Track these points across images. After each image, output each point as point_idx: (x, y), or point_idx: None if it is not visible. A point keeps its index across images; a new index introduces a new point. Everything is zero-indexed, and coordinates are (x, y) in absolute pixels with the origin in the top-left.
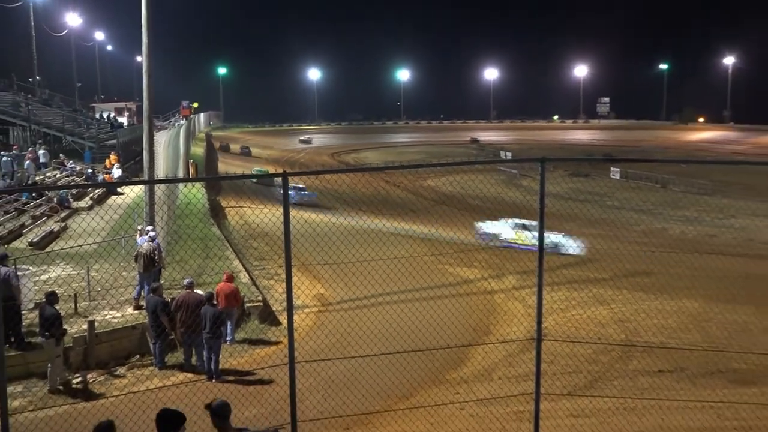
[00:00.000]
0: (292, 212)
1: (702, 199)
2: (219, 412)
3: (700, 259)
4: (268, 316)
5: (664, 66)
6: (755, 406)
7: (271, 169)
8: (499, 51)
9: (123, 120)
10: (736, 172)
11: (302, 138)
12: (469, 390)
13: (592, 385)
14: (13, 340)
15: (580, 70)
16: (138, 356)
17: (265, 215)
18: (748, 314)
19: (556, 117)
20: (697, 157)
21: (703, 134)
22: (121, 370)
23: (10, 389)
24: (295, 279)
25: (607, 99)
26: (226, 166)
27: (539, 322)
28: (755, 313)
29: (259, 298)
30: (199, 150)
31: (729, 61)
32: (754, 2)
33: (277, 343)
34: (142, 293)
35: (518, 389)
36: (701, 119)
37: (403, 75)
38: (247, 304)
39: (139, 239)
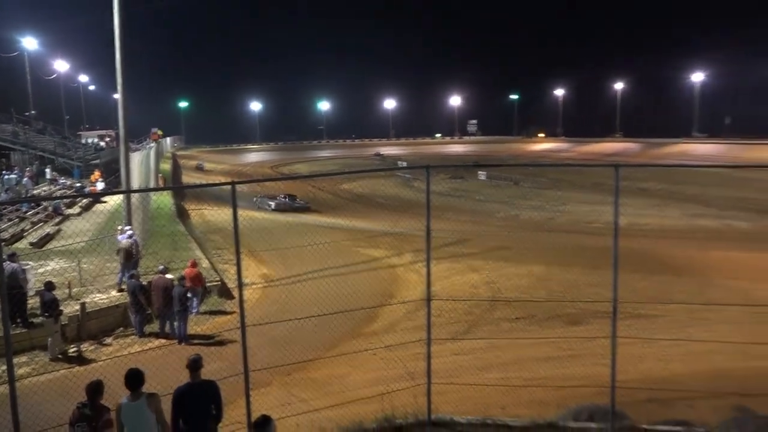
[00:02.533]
0: (241, 212)
1: (543, 192)
2: (195, 366)
3: (543, 236)
4: (224, 292)
5: (515, 96)
6: (582, 339)
7: (223, 179)
8: (397, 85)
9: (104, 144)
10: (565, 172)
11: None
12: (379, 340)
13: (469, 331)
14: (18, 320)
15: (455, 99)
16: (122, 328)
17: (219, 215)
18: (577, 274)
19: (438, 135)
20: (539, 162)
21: (543, 145)
22: (108, 340)
23: (16, 360)
24: (244, 263)
25: (475, 121)
26: (189, 178)
27: (429, 287)
28: (582, 273)
29: (218, 278)
30: (166, 166)
31: (560, 92)
32: (579, 49)
33: (232, 312)
34: (124, 279)
35: (415, 337)
36: (541, 134)
37: (324, 105)
38: (208, 284)
39: (119, 237)
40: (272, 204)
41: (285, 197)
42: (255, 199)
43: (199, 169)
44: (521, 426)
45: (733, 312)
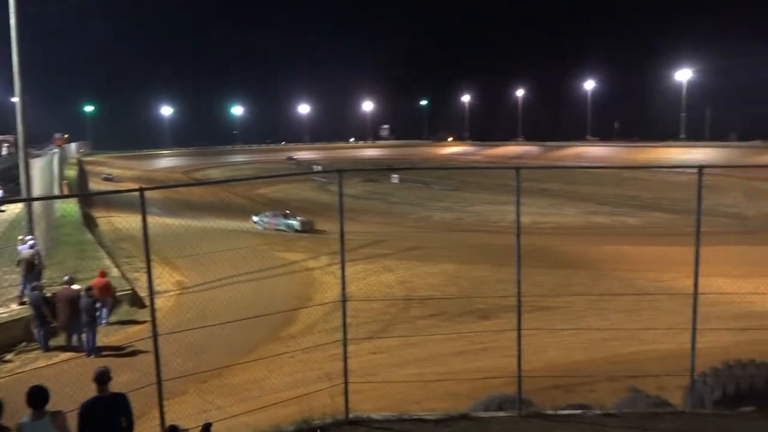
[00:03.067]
0: (153, 219)
1: (452, 194)
2: (102, 378)
3: (453, 235)
4: (136, 301)
5: (424, 102)
6: (492, 333)
7: (132, 186)
8: (310, 90)
9: (3, 150)
10: (472, 175)
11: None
12: (296, 343)
13: (385, 330)
14: None
15: (368, 105)
16: (24, 343)
17: (130, 222)
18: (486, 271)
19: (352, 139)
20: (448, 165)
21: (451, 149)
22: (9, 356)
23: None
24: (157, 271)
25: (387, 126)
26: (97, 186)
27: (344, 288)
28: (491, 270)
29: (128, 287)
30: (72, 172)
31: (466, 98)
32: (484, 57)
33: (144, 321)
34: (25, 291)
35: (332, 338)
36: (450, 138)
37: (237, 110)
38: (119, 293)
39: (20, 247)
40: (296, 224)
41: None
42: (257, 219)
43: (107, 180)
44: (435, 419)
45: (625, 301)
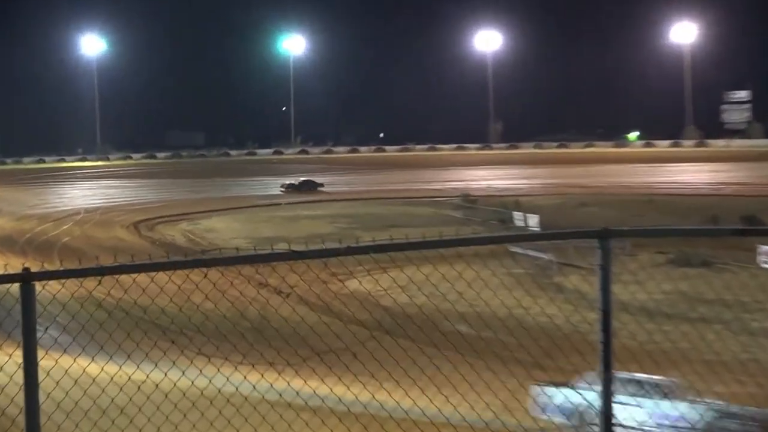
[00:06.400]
0: (50, 360)
1: None
2: None
3: None
4: None
5: None
6: None
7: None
8: (501, 15)
9: None
10: None
11: None
12: None
13: None
14: None
15: (682, 30)
16: None
17: None
18: None
19: (633, 135)
20: None
21: None
22: None
23: None
24: None
25: (743, 93)
26: None
27: None
28: None
29: None
30: None
31: None
32: None
33: None
34: None
35: None
36: None
37: (294, 45)
38: None
39: None
40: None
41: None
42: None
43: None
44: None
45: None
